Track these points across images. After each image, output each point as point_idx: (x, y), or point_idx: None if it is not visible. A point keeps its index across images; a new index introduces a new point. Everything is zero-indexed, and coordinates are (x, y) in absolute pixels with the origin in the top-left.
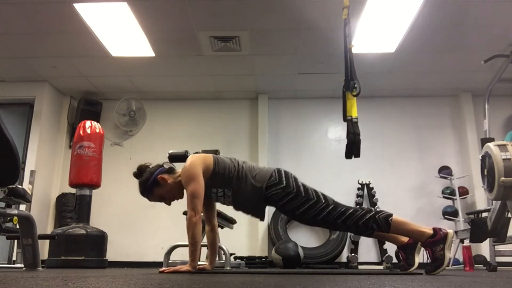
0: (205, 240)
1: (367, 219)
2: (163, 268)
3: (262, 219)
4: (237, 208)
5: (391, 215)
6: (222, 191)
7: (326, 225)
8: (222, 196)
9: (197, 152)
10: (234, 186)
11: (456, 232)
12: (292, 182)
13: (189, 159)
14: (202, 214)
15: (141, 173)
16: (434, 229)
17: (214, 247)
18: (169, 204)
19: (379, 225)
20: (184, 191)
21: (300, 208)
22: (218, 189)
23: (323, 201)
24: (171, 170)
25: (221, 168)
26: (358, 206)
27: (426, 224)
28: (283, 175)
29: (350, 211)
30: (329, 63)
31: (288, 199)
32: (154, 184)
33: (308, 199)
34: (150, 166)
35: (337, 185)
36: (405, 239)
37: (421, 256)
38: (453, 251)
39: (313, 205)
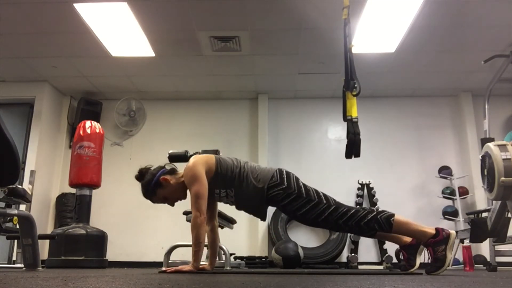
0: (205, 240)
1: (369, 220)
2: (165, 268)
3: (263, 219)
4: (239, 208)
5: (393, 215)
6: (224, 192)
7: (327, 226)
8: (225, 196)
9: (197, 152)
10: (236, 187)
11: (456, 232)
12: (293, 183)
13: (191, 160)
14: None
15: (142, 175)
16: (436, 229)
17: (214, 247)
18: (172, 205)
19: (381, 226)
20: (188, 191)
21: (302, 209)
22: (221, 189)
23: (325, 202)
24: (173, 171)
25: (223, 168)
26: (359, 207)
27: (426, 224)
28: (285, 176)
29: (352, 212)
30: (329, 63)
31: (289, 200)
32: (157, 186)
33: (310, 200)
34: (152, 168)
35: (337, 185)
36: (407, 239)
37: (422, 256)
38: (454, 251)
39: (315, 206)
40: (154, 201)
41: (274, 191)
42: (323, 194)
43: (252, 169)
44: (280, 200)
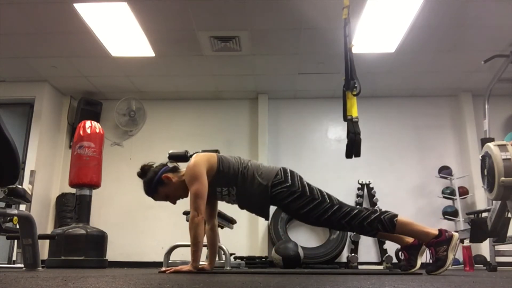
0: (205, 240)
1: (372, 220)
2: (164, 268)
3: (266, 218)
4: (241, 206)
5: (396, 215)
6: (226, 190)
7: (330, 225)
8: (227, 195)
9: (197, 152)
10: (239, 185)
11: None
12: (297, 182)
13: (193, 159)
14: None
15: (144, 172)
16: (439, 230)
17: (214, 247)
18: (174, 203)
19: (384, 226)
20: None
21: (305, 208)
22: (223, 188)
23: (328, 201)
24: (175, 169)
25: (225, 167)
26: (363, 207)
27: (426, 224)
28: (289, 174)
29: (355, 212)
30: (329, 63)
31: (292, 198)
32: (159, 183)
33: (313, 199)
34: (154, 166)
35: (337, 185)
36: (409, 239)
37: (423, 257)
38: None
39: (318, 205)
40: (155, 199)
41: (278, 188)
42: (327, 193)
43: (256, 167)
44: (283, 198)
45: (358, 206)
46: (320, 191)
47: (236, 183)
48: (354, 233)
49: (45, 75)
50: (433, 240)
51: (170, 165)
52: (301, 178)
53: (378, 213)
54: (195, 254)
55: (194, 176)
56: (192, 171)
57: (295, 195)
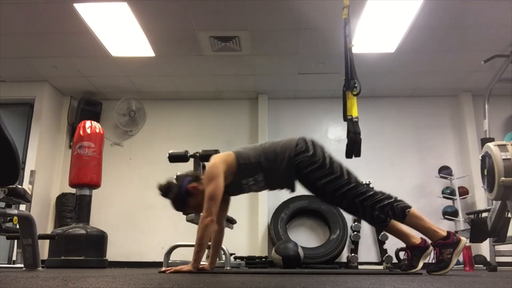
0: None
1: (385, 205)
2: (164, 268)
3: (293, 190)
4: (270, 187)
5: (409, 207)
6: (253, 180)
7: (344, 202)
8: (254, 184)
9: (197, 152)
10: (264, 169)
11: (456, 232)
12: (319, 152)
13: (211, 159)
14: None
15: (168, 190)
16: (448, 232)
17: (217, 248)
18: None
19: (394, 213)
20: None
21: (322, 180)
22: (248, 178)
23: (346, 177)
24: (197, 178)
25: (245, 159)
26: (379, 190)
27: None
28: (310, 143)
29: (371, 193)
30: (329, 63)
31: (312, 168)
32: (188, 196)
33: (332, 172)
34: (172, 181)
35: None
36: (416, 240)
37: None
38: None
39: (336, 179)
40: (187, 213)
41: (300, 157)
42: (347, 169)
43: (274, 144)
44: (304, 168)
45: (374, 189)
46: (341, 166)
47: (259, 169)
48: (366, 221)
49: (45, 75)
50: (440, 241)
51: (190, 174)
52: (323, 149)
53: (393, 199)
54: (198, 255)
55: (210, 177)
56: (210, 172)
57: (315, 165)
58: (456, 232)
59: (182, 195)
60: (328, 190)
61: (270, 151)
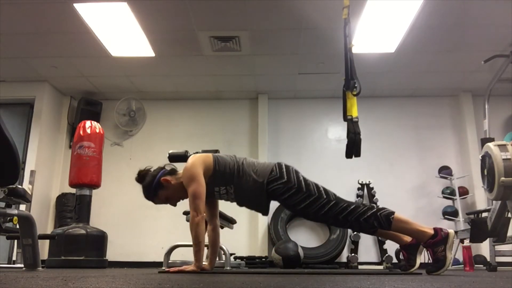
0: (206, 240)
1: (369, 216)
2: (168, 268)
3: (265, 214)
4: (240, 204)
5: (392, 213)
6: (224, 189)
7: (328, 221)
8: (225, 194)
9: (197, 152)
10: (235, 183)
11: (456, 232)
12: (293, 177)
13: (189, 160)
14: (204, 214)
15: (142, 177)
16: (435, 229)
17: (215, 247)
18: (174, 205)
19: (380, 223)
20: None
21: (301, 204)
22: (221, 187)
23: (325, 196)
24: (173, 171)
25: (221, 166)
26: (360, 203)
27: (426, 224)
28: (284, 169)
29: (352, 207)
30: (329, 63)
31: (289, 195)
32: (158, 187)
33: (310, 194)
34: (151, 170)
35: (337, 185)
36: (408, 238)
37: (423, 256)
38: (453, 251)
39: (315, 200)
40: (156, 202)
41: (274, 185)
42: (324, 188)
43: (251, 164)
44: (280, 194)
45: (356, 202)
46: (317, 186)
47: (233, 181)
48: (354, 231)
49: (45, 75)
50: (430, 241)
51: (168, 167)
52: (297, 173)
53: (375, 209)
54: (198, 254)
55: (191, 177)
56: (189, 172)
57: (292, 191)
58: (456, 232)
59: (153, 185)
60: (310, 212)
61: (246, 171)
